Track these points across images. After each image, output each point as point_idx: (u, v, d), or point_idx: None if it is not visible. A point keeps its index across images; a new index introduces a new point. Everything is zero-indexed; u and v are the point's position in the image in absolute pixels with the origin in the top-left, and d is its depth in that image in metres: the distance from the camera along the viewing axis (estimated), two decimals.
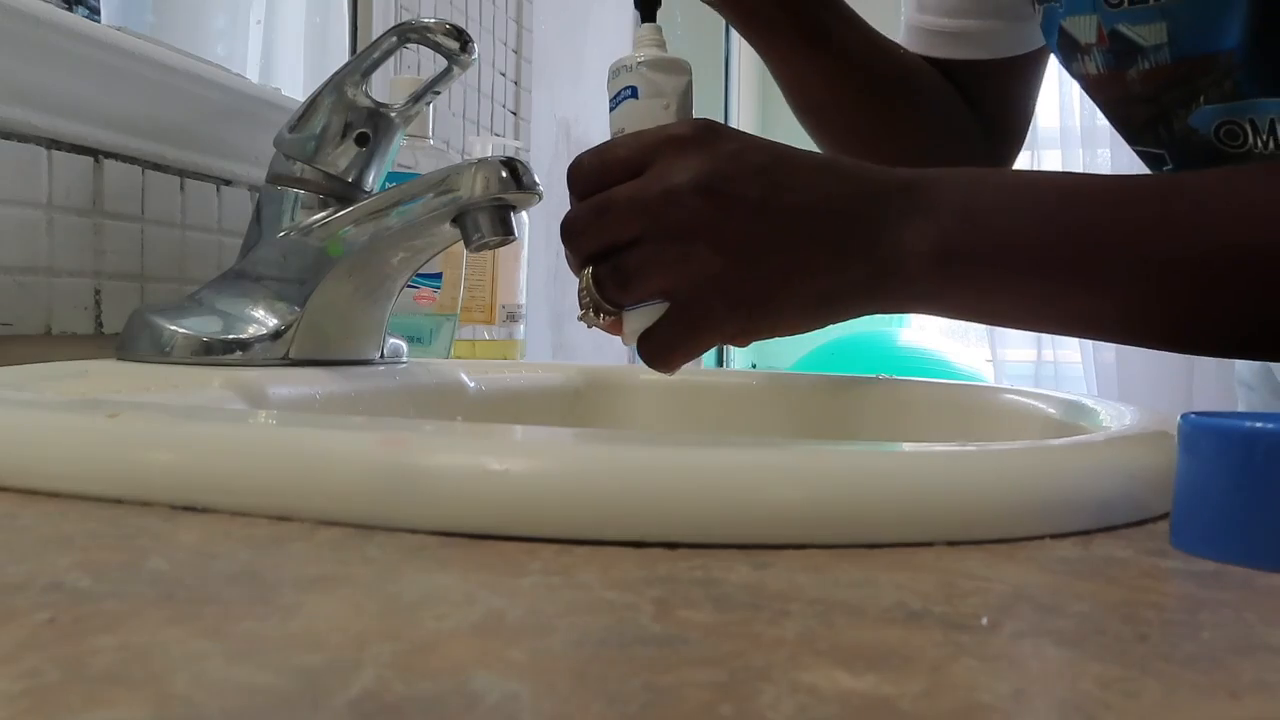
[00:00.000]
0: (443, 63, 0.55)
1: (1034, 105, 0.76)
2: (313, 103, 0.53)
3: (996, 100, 0.74)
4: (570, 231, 0.46)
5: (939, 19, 0.72)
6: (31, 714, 0.13)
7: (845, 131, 0.70)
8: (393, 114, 0.55)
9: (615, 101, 0.47)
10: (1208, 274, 0.41)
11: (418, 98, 0.55)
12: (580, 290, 0.46)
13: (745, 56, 3.12)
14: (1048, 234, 0.43)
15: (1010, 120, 0.75)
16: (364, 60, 0.53)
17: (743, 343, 0.47)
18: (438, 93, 0.56)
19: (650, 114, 0.46)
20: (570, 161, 0.47)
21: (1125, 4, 0.55)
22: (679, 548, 0.23)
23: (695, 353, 0.46)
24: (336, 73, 0.53)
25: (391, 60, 0.57)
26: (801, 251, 0.43)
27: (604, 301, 0.46)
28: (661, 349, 0.46)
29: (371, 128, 0.54)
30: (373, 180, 0.55)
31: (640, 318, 0.46)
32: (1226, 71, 0.51)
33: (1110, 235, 0.42)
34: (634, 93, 0.46)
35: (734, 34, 3.05)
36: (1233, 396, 0.86)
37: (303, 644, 0.16)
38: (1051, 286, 0.43)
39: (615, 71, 0.47)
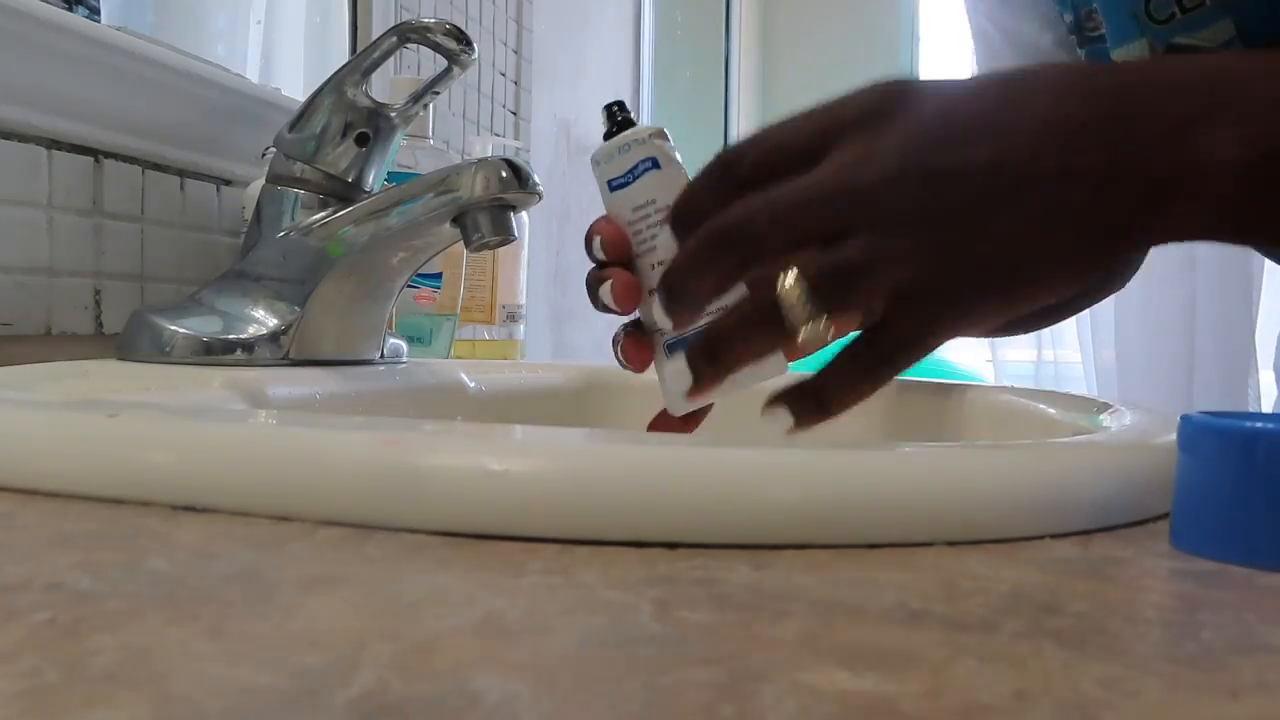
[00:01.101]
0: (443, 63, 0.55)
1: None
2: (312, 103, 0.53)
3: None
4: (746, 231, 0.36)
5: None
6: (31, 714, 0.13)
7: None
8: (393, 114, 0.55)
9: (632, 175, 0.45)
10: None
11: (417, 98, 0.56)
12: (789, 298, 0.35)
13: (745, 56, 3.13)
14: None
15: None
16: (364, 60, 0.53)
17: (987, 329, 0.37)
18: (438, 93, 0.56)
19: (677, 181, 0.44)
20: (721, 154, 0.38)
21: (1177, 14, 0.53)
22: (679, 548, 0.23)
23: (921, 355, 0.37)
24: (336, 73, 0.53)
25: (391, 60, 0.57)
26: (1054, 191, 0.33)
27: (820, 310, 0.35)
28: (882, 360, 0.36)
29: (372, 128, 0.54)
30: (372, 180, 0.55)
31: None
32: None
33: None
34: (655, 164, 0.45)
35: (734, 34, 3.06)
36: (1234, 397, 0.85)
37: (303, 644, 0.16)
38: None
39: (624, 147, 0.45)
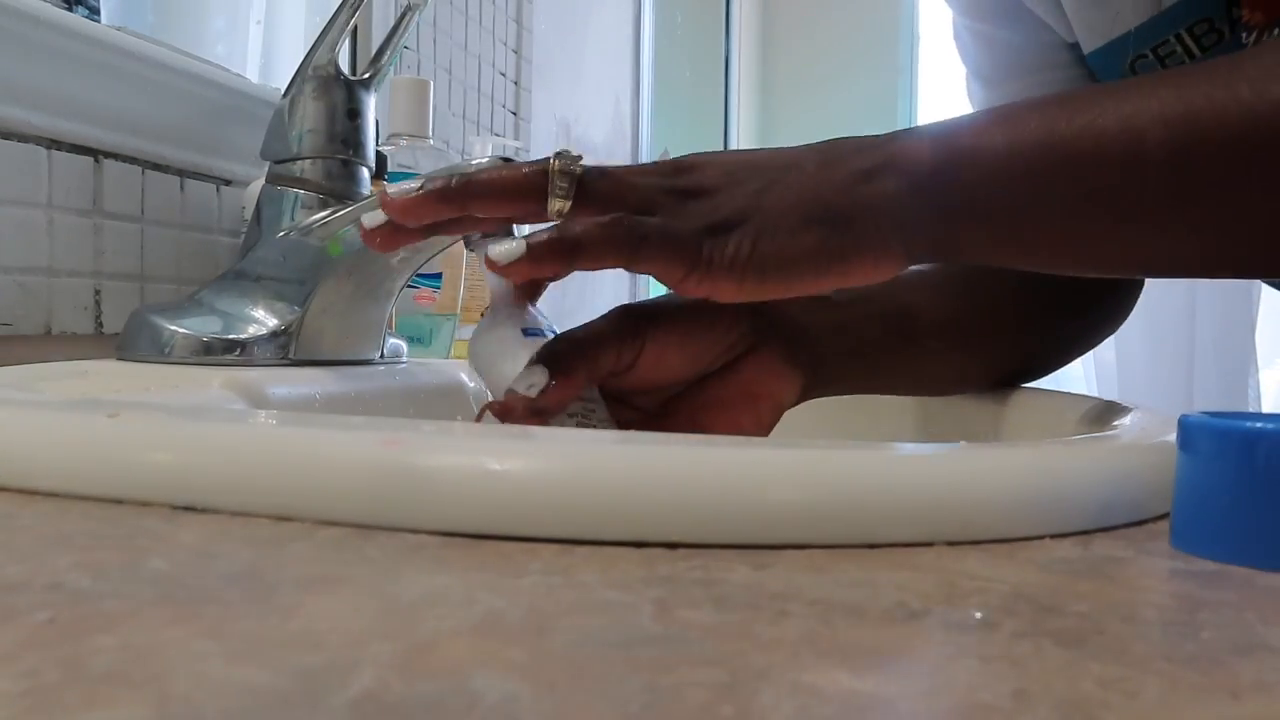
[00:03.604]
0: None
1: None
2: (293, 99, 0.54)
3: None
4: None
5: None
6: (31, 714, 0.13)
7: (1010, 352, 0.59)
8: (366, 75, 0.56)
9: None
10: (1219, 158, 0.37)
11: (381, 53, 0.57)
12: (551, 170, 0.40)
13: (745, 56, 3.13)
14: (1028, 139, 0.40)
15: None
16: (333, 36, 0.54)
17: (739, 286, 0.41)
18: (407, 48, 0.57)
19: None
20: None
21: (1149, 55, 0.54)
22: (679, 548, 0.23)
23: (676, 253, 0.40)
24: (305, 61, 0.54)
25: (391, 64, 0.57)
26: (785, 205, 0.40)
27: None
28: (634, 234, 0.39)
29: (355, 100, 0.55)
30: (370, 152, 0.56)
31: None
32: None
33: (1105, 120, 0.38)
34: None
35: (734, 34, 3.06)
36: (1234, 397, 0.85)
37: (303, 644, 0.16)
38: (1047, 197, 0.39)
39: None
